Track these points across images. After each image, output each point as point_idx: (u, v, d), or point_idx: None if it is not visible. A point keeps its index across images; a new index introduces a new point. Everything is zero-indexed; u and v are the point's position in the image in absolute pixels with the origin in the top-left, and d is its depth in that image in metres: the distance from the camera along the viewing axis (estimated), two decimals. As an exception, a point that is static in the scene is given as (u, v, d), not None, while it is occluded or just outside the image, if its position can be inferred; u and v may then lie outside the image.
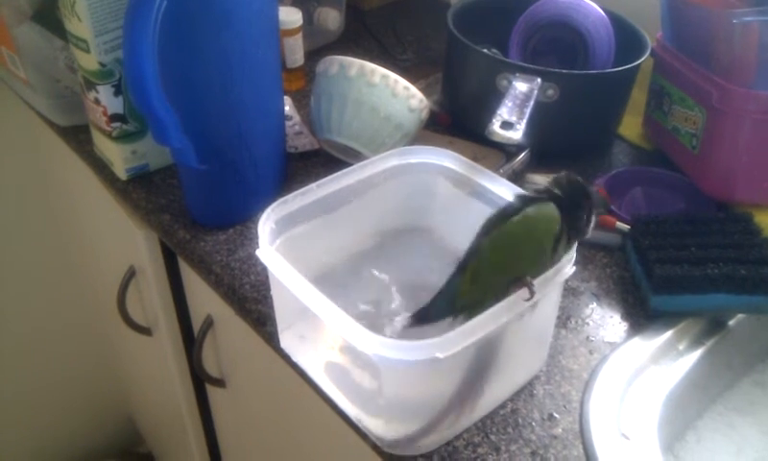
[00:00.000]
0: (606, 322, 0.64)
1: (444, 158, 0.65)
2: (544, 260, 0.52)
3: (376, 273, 0.65)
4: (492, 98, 0.77)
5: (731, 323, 0.65)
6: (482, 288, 0.52)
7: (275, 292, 0.59)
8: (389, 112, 0.76)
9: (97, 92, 0.74)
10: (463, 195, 0.64)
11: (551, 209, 0.52)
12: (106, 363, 1.45)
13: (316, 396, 0.59)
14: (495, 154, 0.83)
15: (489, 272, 0.53)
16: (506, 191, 0.61)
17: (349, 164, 0.64)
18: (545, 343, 0.60)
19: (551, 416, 0.56)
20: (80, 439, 1.53)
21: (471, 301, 0.52)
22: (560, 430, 0.54)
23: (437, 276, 0.66)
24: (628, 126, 0.90)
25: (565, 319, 0.64)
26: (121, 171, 0.80)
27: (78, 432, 1.52)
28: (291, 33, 0.95)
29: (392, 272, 0.65)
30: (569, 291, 0.67)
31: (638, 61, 0.82)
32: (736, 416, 0.66)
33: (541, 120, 0.74)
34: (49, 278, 1.31)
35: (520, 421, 0.55)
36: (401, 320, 0.60)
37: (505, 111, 0.70)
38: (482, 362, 0.53)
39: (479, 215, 0.63)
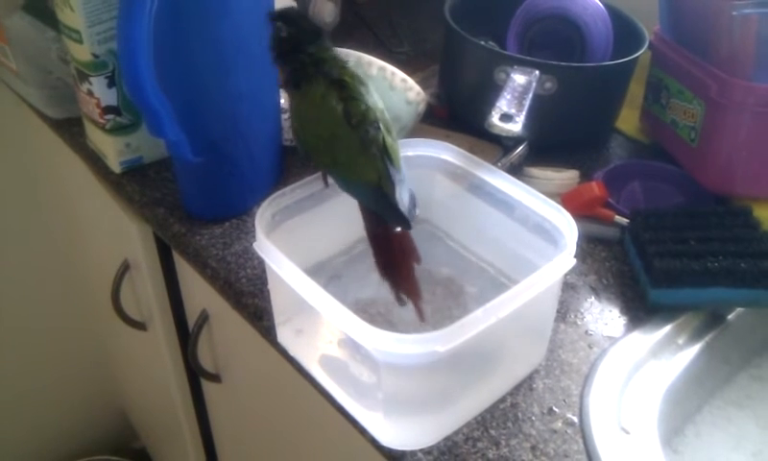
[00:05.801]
0: (605, 316, 0.64)
1: (442, 151, 0.65)
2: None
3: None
4: (489, 91, 0.76)
5: (729, 317, 0.65)
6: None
7: (272, 286, 0.59)
8: (386, 105, 0.75)
9: (90, 84, 0.73)
10: (461, 188, 0.64)
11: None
12: (99, 358, 1.44)
13: (313, 390, 0.58)
14: (493, 147, 0.83)
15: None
16: (504, 184, 0.60)
17: (346, 157, 0.63)
18: (545, 337, 0.59)
19: (551, 410, 0.55)
20: (73, 434, 1.52)
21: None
22: (559, 424, 0.54)
23: (434, 266, 0.66)
24: (625, 119, 0.90)
25: (564, 313, 0.64)
26: (115, 164, 0.79)
27: (71, 428, 1.51)
28: (286, 25, 0.94)
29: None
30: (568, 285, 0.67)
31: (636, 54, 0.81)
32: (734, 410, 0.66)
33: (539, 113, 0.74)
34: (41, 272, 1.30)
35: (520, 415, 0.55)
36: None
37: (504, 104, 0.70)
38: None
39: (477, 208, 0.63)
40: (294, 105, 0.60)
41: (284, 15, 0.58)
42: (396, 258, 0.56)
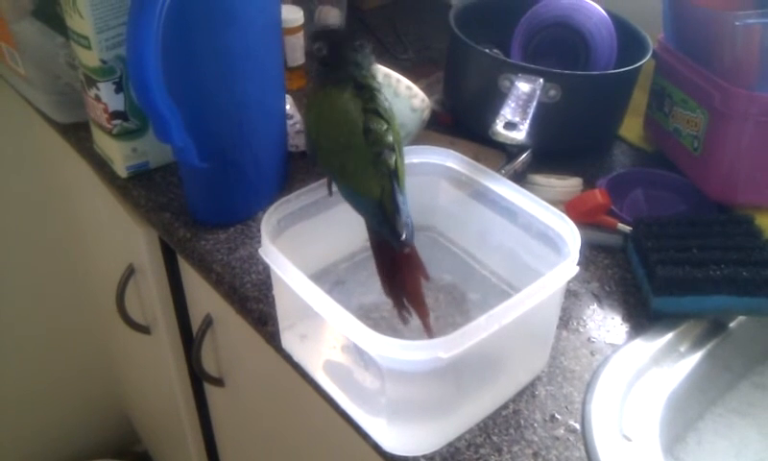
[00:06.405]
0: (607, 323, 0.64)
1: (447, 158, 0.65)
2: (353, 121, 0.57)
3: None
4: (493, 98, 0.77)
5: (731, 325, 0.65)
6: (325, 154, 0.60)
7: (276, 291, 0.59)
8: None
9: (98, 89, 0.74)
10: (465, 195, 0.65)
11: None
12: (102, 362, 1.44)
13: (316, 395, 0.59)
14: (496, 154, 0.83)
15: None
16: (508, 191, 0.61)
17: (351, 163, 0.64)
18: (547, 344, 0.60)
19: (553, 417, 0.55)
20: (76, 438, 1.52)
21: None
22: (561, 431, 0.54)
23: (437, 272, 0.66)
24: (629, 127, 0.90)
25: (567, 320, 0.64)
26: (121, 169, 0.80)
27: (74, 431, 1.52)
28: (292, 31, 0.95)
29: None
30: (571, 292, 0.67)
31: (640, 63, 0.82)
32: (736, 418, 0.66)
33: (543, 121, 0.74)
34: (47, 275, 1.31)
35: (522, 422, 0.55)
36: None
37: (508, 112, 0.70)
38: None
39: (481, 215, 0.63)
40: (315, 102, 0.60)
41: (323, 35, 0.62)
42: (401, 274, 0.56)
